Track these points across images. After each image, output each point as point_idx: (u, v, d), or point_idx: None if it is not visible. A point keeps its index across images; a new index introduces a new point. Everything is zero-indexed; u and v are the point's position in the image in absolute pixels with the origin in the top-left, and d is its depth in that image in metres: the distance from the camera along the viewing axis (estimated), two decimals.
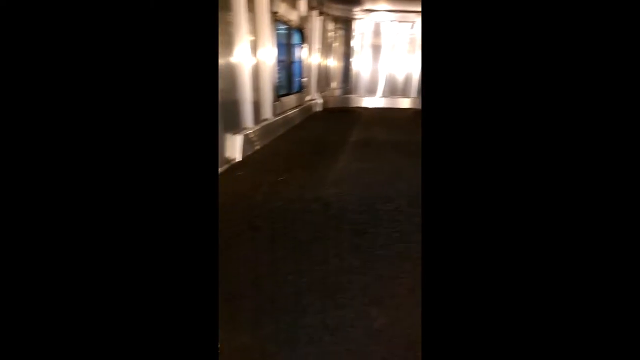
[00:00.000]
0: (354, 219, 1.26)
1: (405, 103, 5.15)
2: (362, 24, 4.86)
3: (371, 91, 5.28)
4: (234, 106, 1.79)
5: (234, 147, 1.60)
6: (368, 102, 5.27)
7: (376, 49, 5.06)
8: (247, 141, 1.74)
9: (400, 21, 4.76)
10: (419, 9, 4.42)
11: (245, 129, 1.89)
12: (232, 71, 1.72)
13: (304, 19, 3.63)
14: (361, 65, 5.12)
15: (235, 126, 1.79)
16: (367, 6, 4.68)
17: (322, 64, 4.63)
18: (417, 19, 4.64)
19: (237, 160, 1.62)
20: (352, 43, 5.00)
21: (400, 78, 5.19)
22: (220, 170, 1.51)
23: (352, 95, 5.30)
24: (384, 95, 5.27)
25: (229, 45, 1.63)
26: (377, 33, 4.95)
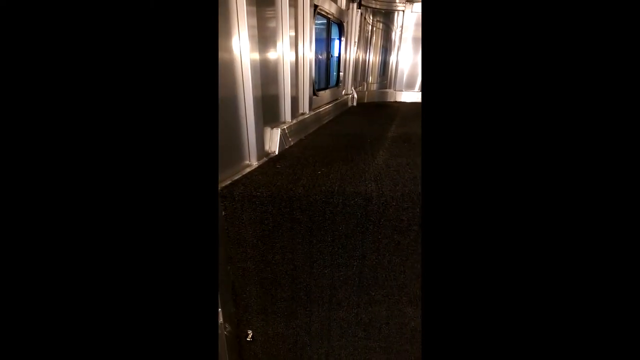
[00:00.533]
0: (395, 215, 1.23)
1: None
2: (403, 16, 4.69)
3: (409, 85, 5.11)
4: (273, 100, 1.83)
5: (272, 141, 1.63)
6: (406, 96, 5.11)
7: (417, 41, 4.87)
8: (285, 135, 1.77)
9: None
10: None
11: (283, 122, 1.92)
12: (272, 66, 1.76)
13: (344, 13, 3.59)
14: (401, 59, 4.96)
15: (274, 120, 1.82)
16: None
17: (359, 58, 4.56)
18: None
19: (275, 153, 1.66)
20: (392, 35, 4.86)
21: None
22: (260, 162, 1.56)
23: (389, 90, 5.17)
24: (420, 90, 5.08)
25: (271, 40, 1.66)
26: (418, 25, 4.76)
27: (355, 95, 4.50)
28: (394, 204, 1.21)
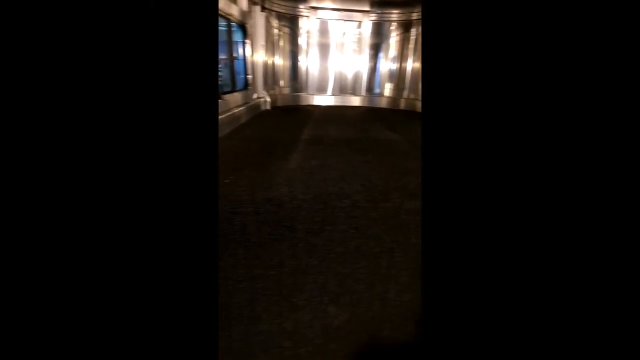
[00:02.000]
0: (308, 218, 1.22)
1: (356, 101, 5.27)
2: (308, 22, 4.85)
3: (321, 89, 5.31)
4: None
5: None
6: (319, 100, 5.30)
7: (324, 47, 5.09)
8: None
9: (346, 20, 4.84)
10: (366, 8, 4.55)
11: None
12: None
13: (246, 15, 3.49)
14: (310, 64, 5.11)
15: None
16: (313, 4, 4.68)
17: (268, 62, 4.52)
18: (364, 19, 4.76)
19: None
20: (300, 41, 4.97)
21: (349, 76, 5.29)
22: None
23: (302, 94, 5.28)
24: (334, 94, 5.33)
25: None
26: (323, 32, 4.98)
27: (269, 99, 4.44)
28: (306, 206, 1.20)
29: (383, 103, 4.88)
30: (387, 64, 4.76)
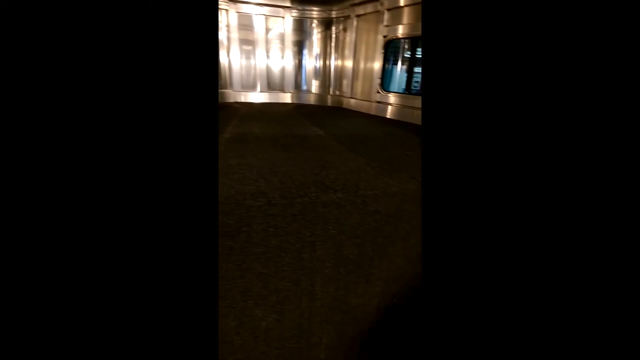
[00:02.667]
0: (223, 220, 1.15)
1: (285, 98, 5.22)
2: (227, 15, 4.62)
3: (248, 86, 5.13)
4: None
5: None
6: (246, 97, 5.11)
7: (248, 43, 4.91)
8: None
9: (268, 15, 4.74)
10: (287, 4, 4.51)
11: None
12: None
13: None
14: (233, 59, 4.89)
15: None
16: None
17: None
18: (287, 15, 4.71)
19: None
20: (220, 35, 4.71)
21: (276, 73, 5.21)
22: None
23: (228, 90, 5.03)
24: (262, 90, 5.20)
25: None
26: (246, 27, 4.80)
27: None
28: (220, 208, 1.13)
29: (311, 100, 4.95)
30: (311, 61, 4.82)
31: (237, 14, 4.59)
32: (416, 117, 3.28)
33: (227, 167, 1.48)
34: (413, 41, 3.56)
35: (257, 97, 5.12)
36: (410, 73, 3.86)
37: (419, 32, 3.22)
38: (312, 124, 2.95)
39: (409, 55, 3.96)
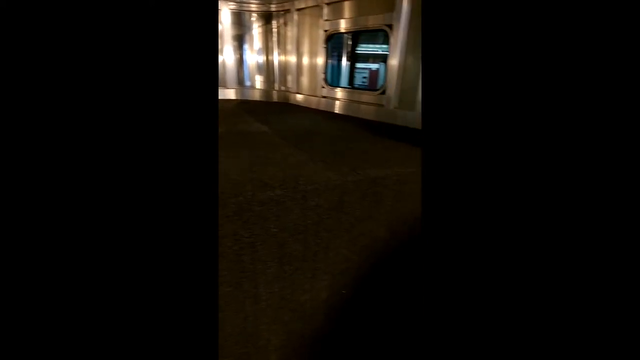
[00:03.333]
0: None
1: (230, 94, 4.99)
2: None
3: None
4: None
5: None
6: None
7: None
8: None
9: None
10: None
11: None
12: None
13: None
14: None
15: None
16: None
17: None
18: (224, 7, 4.48)
19: None
20: None
21: (219, 69, 4.94)
22: None
23: None
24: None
25: None
26: None
27: None
28: None
29: (256, 95, 4.80)
30: (253, 56, 4.67)
31: None
32: (362, 112, 3.36)
33: None
34: (354, 36, 3.63)
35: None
36: (352, 68, 3.94)
37: (359, 27, 3.29)
38: (256, 120, 2.86)
39: (351, 50, 4.03)
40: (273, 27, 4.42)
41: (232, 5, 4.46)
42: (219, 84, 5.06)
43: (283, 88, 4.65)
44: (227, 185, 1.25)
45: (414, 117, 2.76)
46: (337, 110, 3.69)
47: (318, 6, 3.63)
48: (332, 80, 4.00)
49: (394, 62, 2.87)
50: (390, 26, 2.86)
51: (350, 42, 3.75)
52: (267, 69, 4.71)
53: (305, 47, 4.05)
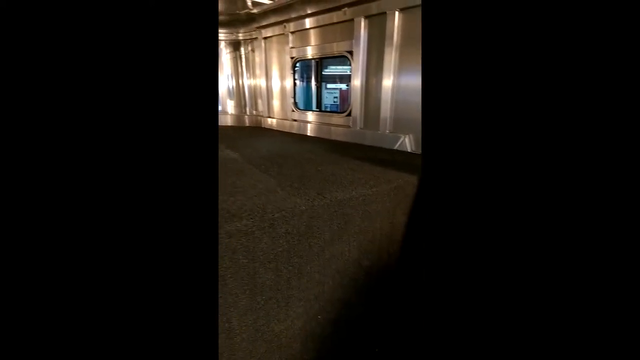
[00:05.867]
0: None
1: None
2: None
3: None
4: None
5: None
6: None
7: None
8: None
9: None
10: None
11: None
12: None
13: None
14: None
15: None
16: None
17: None
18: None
19: None
20: None
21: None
22: None
23: None
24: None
25: None
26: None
27: None
28: None
29: (228, 120, 4.82)
30: (223, 81, 4.72)
31: None
32: (333, 133, 3.46)
33: None
34: (319, 62, 3.78)
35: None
36: (319, 92, 4.08)
37: (324, 53, 3.45)
38: (226, 146, 2.86)
39: (318, 75, 4.18)
40: (242, 53, 4.53)
41: None
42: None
43: (255, 112, 4.71)
44: None
45: (379, 137, 2.89)
46: (310, 133, 3.77)
47: (283, 34, 3.77)
48: (303, 103, 4.10)
49: (357, 85, 3.02)
50: (351, 52, 3.03)
51: (315, 67, 3.90)
52: (237, 93, 4.77)
53: (274, 73, 4.17)
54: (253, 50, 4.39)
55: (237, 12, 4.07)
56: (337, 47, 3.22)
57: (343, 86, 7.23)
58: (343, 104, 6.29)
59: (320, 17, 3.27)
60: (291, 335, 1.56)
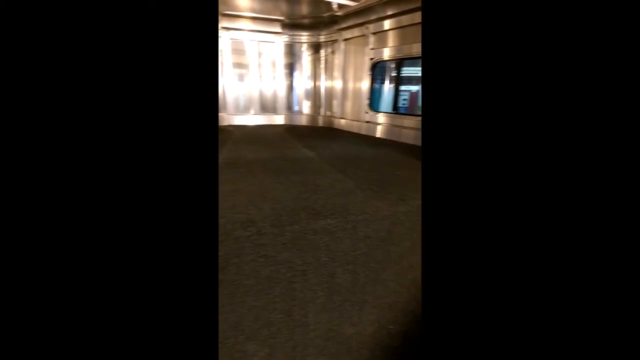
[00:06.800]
0: None
1: (278, 119, 5.28)
2: (221, 42, 4.74)
3: (242, 109, 5.19)
4: None
5: None
6: (240, 120, 5.16)
7: (241, 67, 5.02)
8: None
9: (260, 41, 4.87)
10: (278, 30, 4.66)
11: None
12: None
13: None
14: (226, 83, 4.97)
15: None
16: (224, 24, 4.61)
17: None
18: (277, 40, 4.85)
19: None
20: None
21: (269, 95, 5.30)
22: None
23: (222, 114, 5.09)
24: (256, 113, 5.27)
25: None
26: (239, 52, 4.92)
27: None
28: None
29: (303, 120, 5.02)
30: (302, 83, 4.92)
31: (230, 40, 4.72)
32: (404, 136, 3.33)
33: (219, 194, 1.46)
34: (398, 63, 3.67)
35: (251, 119, 5.17)
36: (396, 93, 3.95)
37: (403, 54, 3.33)
38: (303, 145, 2.98)
39: (394, 76, 4.07)
40: (321, 55, 4.66)
41: (285, 38, 4.81)
42: (270, 110, 5.39)
43: (329, 113, 4.81)
44: (283, 212, 1.31)
45: None
46: (380, 135, 3.70)
47: (364, 36, 3.76)
48: (376, 105, 4.04)
49: None
50: None
51: (394, 69, 3.80)
52: (314, 94, 4.93)
53: (351, 74, 4.19)
54: (333, 52, 4.47)
55: (321, 15, 4.19)
56: (417, 48, 3.07)
57: (413, 88, 6.91)
58: (412, 107, 6.05)
59: (401, 18, 3.17)
60: (361, 340, 1.54)
